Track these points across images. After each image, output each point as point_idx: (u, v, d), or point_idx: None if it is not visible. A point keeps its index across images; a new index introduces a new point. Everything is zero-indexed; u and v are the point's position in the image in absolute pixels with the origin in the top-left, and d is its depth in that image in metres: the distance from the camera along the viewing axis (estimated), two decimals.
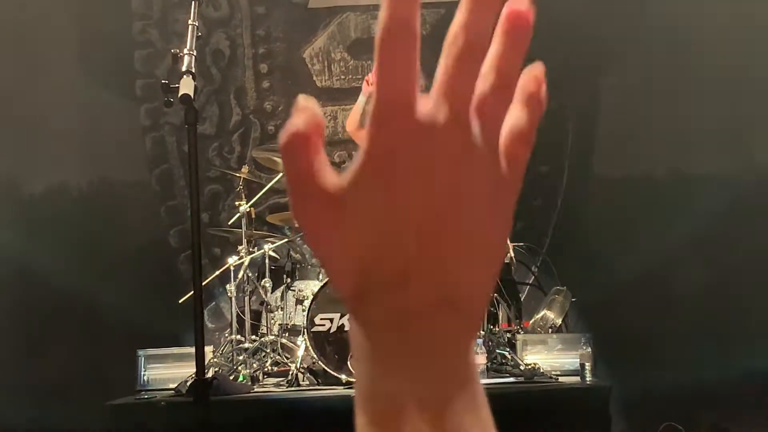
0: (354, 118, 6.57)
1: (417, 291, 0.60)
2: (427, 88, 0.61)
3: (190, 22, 2.82)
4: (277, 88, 7.83)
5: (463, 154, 0.60)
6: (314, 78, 7.78)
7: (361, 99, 6.62)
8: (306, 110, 0.60)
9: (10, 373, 6.65)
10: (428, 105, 0.59)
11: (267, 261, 6.11)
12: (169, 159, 7.70)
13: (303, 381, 5.51)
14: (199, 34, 2.80)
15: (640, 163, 7.38)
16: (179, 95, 2.61)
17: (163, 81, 2.63)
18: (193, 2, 2.84)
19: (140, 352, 5.81)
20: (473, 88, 0.60)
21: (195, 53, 2.75)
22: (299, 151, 0.60)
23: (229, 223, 6.35)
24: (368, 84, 6.67)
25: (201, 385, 2.91)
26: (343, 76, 7.75)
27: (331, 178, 0.60)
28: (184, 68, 2.70)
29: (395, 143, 0.59)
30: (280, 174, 6.24)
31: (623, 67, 7.48)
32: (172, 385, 5.44)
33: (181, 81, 2.66)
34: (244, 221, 6.08)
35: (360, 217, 0.60)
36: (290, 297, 5.97)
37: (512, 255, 6.18)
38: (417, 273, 0.60)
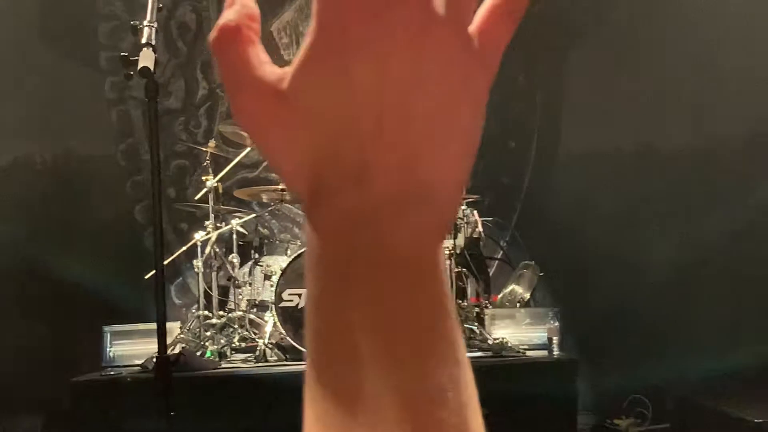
0: None
1: (378, 185, 0.53)
2: None
3: None
4: None
5: (424, 30, 0.53)
6: (282, 52, 7.71)
7: None
8: (236, 2, 0.57)
9: None
10: None
11: (234, 236, 6.08)
12: (135, 133, 7.61)
13: (271, 356, 5.49)
14: (160, 5, 2.75)
15: (607, 137, 7.40)
16: (138, 68, 2.56)
17: (122, 54, 2.58)
18: None
19: (106, 329, 5.77)
20: None
21: (155, 25, 2.70)
22: (231, 44, 0.56)
23: (196, 198, 6.30)
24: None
25: (164, 361, 2.87)
26: None
27: (271, 69, 0.56)
28: (144, 40, 2.65)
29: (344, 19, 0.52)
30: (248, 149, 6.19)
31: (591, 42, 7.48)
32: (138, 362, 5.41)
33: (141, 53, 2.61)
34: (211, 196, 6.04)
35: (308, 107, 0.54)
36: (258, 272, 5.95)
37: (480, 230, 6.18)
38: (377, 164, 0.53)
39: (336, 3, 0.53)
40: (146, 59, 2.60)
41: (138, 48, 2.56)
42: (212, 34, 0.56)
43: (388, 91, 0.53)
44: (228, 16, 0.56)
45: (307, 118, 0.54)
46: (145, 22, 2.71)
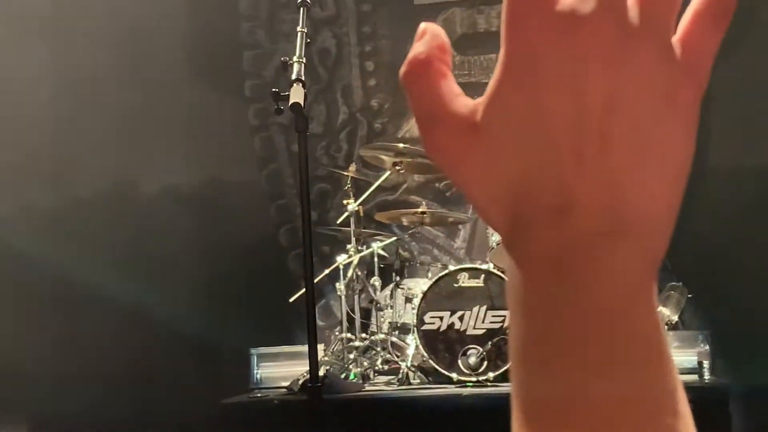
0: None
1: (582, 219, 0.49)
2: None
3: (299, 28, 2.83)
4: (384, 85, 7.84)
5: (620, 48, 0.49)
6: None
7: None
8: (426, 34, 0.55)
9: (122, 367, 6.81)
10: None
11: (376, 259, 6.13)
12: (278, 158, 7.79)
13: (413, 379, 5.51)
14: (308, 40, 2.82)
15: (755, 152, 7.14)
16: (290, 104, 2.63)
17: (273, 90, 2.66)
18: (301, 9, 2.86)
19: (253, 351, 5.90)
20: None
21: (304, 60, 2.76)
22: (422, 77, 0.54)
23: (338, 221, 6.38)
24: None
25: (314, 384, 2.92)
26: None
27: (463, 102, 0.53)
28: (294, 76, 2.72)
29: (536, 45, 0.50)
30: (388, 172, 6.25)
31: (742, 52, 7.25)
32: (284, 384, 5.51)
33: (292, 89, 2.68)
34: (352, 219, 6.11)
35: (503, 139, 0.51)
36: (399, 295, 5.97)
37: None
38: (579, 197, 0.49)
39: (523, 27, 0.50)
40: (297, 95, 2.67)
41: (281, 77, 2.63)
42: (402, 68, 0.54)
43: (586, 117, 0.50)
44: (418, 48, 0.55)
45: (503, 150, 0.52)
46: (295, 58, 2.77)
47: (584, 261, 0.49)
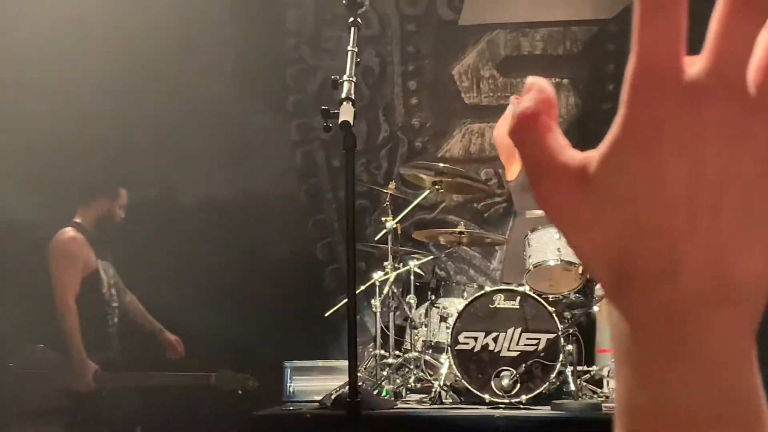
0: (502, 127, 6.55)
1: (689, 280, 0.52)
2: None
3: (349, 48, 2.88)
4: (425, 104, 7.88)
5: (739, 122, 0.51)
6: (462, 95, 7.80)
7: (510, 108, 6.59)
8: (533, 89, 0.57)
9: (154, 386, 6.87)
10: (696, 67, 0.52)
11: (412, 277, 6.15)
12: (318, 173, 7.85)
13: (446, 399, 5.51)
14: (358, 60, 2.86)
15: None
16: (339, 122, 2.67)
17: (322, 107, 2.70)
18: (352, 28, 2.90)
19: (287, 364, 5.92)
20: (751, 44, 0.52)
21: (354, 79, 2.80)
22: (530, 131, 0.55)
23: (376, 238, 6.40)
24: (517, 101, 6.64)
25: (353, 399, 2.94)
26: (491, 94, 7.73)
27: (572, 154, 0.55)
28: (343, 95, 2.76)
29: (660, 113, 0.52)
30: (427, 191, 6.27)
31: None
32: (317, 398, 5.53)
33: (341, 107, 2.72)
34: (390, 237, 6.13)
35: (617, 195, 0.53)
36: (434, 314, 5.98)
37: None
38: (689, 260, 0.52)
39: (649, 95, 0.52)
40: (346, 113, 2.71)
41: (324, 92, 2.66)
42: (511, 124, 0.56)
43: (702, 186, 0.52)
44: (525, 103, 0.56)
45: (615, 206, 0.53)
46: (345, 77, 2.81)
47: (688, 320, 0.52)
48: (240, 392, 5.92)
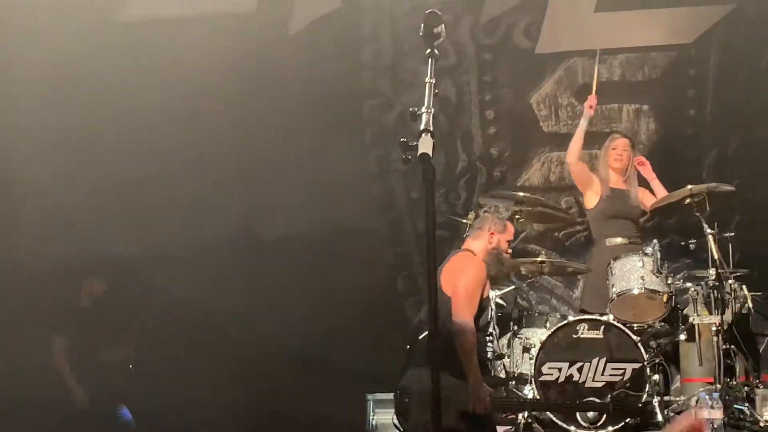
0: (575, 148, 6.50)
1: None
2: None
3: (427, 80, 2.88)
4: (503, 134, 7.85)
5: None
6: (540, 123, 7.75)
7: (583, 123, 6.54)
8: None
9: (243, 405, 6.93)
10: None
11: (494, 307, 6.10)
12: (397, 205, 7.85)
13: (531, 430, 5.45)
14: (436, 91, 2.86)
15: None
16: (419, 154, 2.67)
17: (401, 139, 2.70)
18: (430, 59, 2.91)
19: (369, 396, 5.92)
20: None
21: (433, 110, 2.80)
22: None
23: None
24: (590, 109, 6.59)
25: None
26: (570, 122, 7.66)
27: None
28: (422, 126, 2.76)
29: None
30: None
31: None
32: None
33: (420, 139, 2.72)
34: None
35: None
36: (517, 344, 5.93)
37: (750, 305, 5.89)
38: None
39: None
40: (426, 145, 2.70)
41: (402, 123, 2.66)
42: None
43: None
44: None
45: None
46: (423, 108, 2.81)
47: None
48: None
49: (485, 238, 5.09)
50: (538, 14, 7.77)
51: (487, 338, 5.78)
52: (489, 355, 5.59)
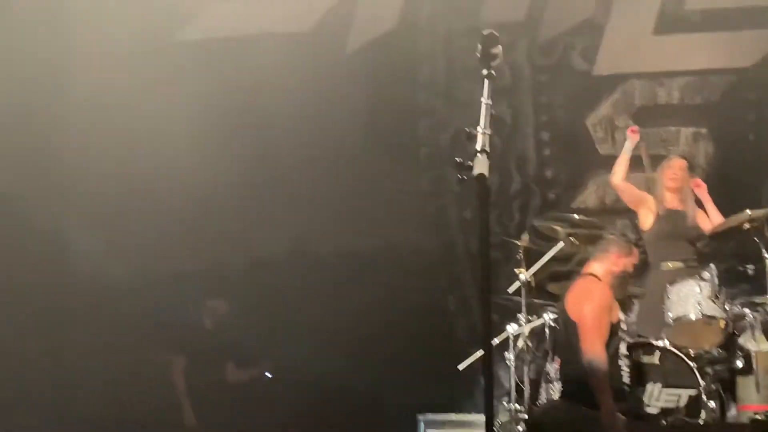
0: (619, 169, 6.45)
1: None
2: None
3: (483, 100, 2.88)
4: (559, 156, 7.80)
5: None
6: (597, 146, 7.69)
7: (627, 146, 6.49)
8: None
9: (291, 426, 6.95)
10: None
11: (547, 330, 6.04)
12: (451, 225, 7.83)
13: None
14: (493, 112, 2.86)
15: None
16: (474, 175, 2.67)
17: (457, 159, 2.70)
18: (486, 80, 2.91)
19: (420, 417, 5.89)
20: None
21: (489, 131, 2.81)
22: None
23: (509, 290, 6.34)
24: (633, 133, 6.54)
25: None
26: None
27: None
28: (478, 147, 2.76)
29: None
30: (560, 243, 6.19)
31: None
32: None
33: (476, 160, 2.72)
34: (523, 289, 6.07)
35: None
36: None
37: None
38: None
39: None
40: (481, 166, 2.71)
41: (456, 143, 2.66)
42: None
43: None
44: None
45: None
46: (479, 129, 2.82)
47: None
48: None
49: (611, 261, 5.10)
50: (596, 36, 7.74)
51: (620, 362, 5.34)
52: (625, 379, 5.41)
